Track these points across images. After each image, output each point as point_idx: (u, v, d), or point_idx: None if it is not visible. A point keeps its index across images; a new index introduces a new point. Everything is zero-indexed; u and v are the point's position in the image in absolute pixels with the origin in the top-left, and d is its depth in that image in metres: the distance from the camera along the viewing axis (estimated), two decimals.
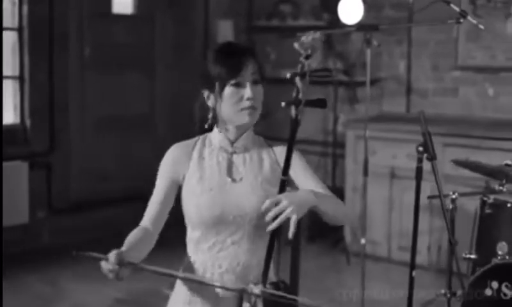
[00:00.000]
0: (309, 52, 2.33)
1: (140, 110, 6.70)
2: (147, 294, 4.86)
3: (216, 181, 2.55)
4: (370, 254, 5.72)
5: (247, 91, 2.50)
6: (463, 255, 3.87)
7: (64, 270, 5.44)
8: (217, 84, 2.52)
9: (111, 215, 6.29)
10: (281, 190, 2.40)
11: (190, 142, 2.66)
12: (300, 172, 2.59)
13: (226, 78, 2.51)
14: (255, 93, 2.52)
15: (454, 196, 3.91)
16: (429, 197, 4.17)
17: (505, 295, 3.49)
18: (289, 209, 2.32)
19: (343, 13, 5.67)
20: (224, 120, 2.58)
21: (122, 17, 6.54)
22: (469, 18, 3.99)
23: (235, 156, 2.61)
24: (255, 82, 2.53)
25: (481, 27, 4.07)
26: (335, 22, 6.03)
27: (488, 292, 3.52)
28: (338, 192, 6.29)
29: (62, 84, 6.09)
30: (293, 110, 2.33)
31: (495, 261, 3.58)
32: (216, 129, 2.63)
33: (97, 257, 2.23)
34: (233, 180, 2.57)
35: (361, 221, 5.04)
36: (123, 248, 2.32)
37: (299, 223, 2.37)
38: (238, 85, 2.50)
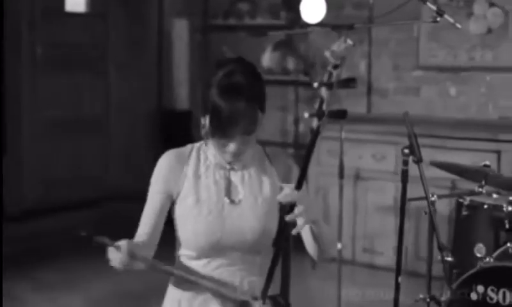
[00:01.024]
0: (338, 62, 2.20)
1: (93, 112, 6.49)
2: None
3: (213, 204, 2.35)
4: (334, 256, 5.63)
5: (231, 147, 2.28)
6: (438, 258, 3.81)
7: (20, 279, 5.21)
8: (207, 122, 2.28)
9: (64, 221, 6.05)
10: (291, 207, 2.22)
11: (184, 151, 2.42)
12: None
13: (211, 133, 2.28)
14: (241, 147, 2.29)
15: (433, 198, 3.84)
16: (410, 200, 4.08)
17: (491, 298, 3.43)
18: (303, 216, 2.19)
19: (305, 11, 5.57)
20: None
21: (75, 15, 6.34)
22: (446, 16, 3.90)
23: (232, 173, 2.40)
24: (247, 134, 2.28)
25: (458, 26, 4.00)
26: (296, 20, 5.93)
27: (474, 296, 3.45)
28: None
29: (13, 85, 5.84)
30: (315, 122, 2.19)
31: (480, 264, 3.51)
32: (211, 139, 2.38)
33: (107, 243, 2.09)
34: (232, 202, 2.37)
35: (338, 225, 4.94)
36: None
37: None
38: (225, 136, 2.27)
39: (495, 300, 3.42)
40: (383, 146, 5.54)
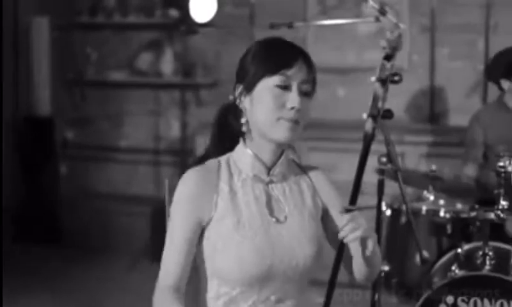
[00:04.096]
0: (390, 51, 1.91)
1: None
2: None
3: (258, 225, 1.99)
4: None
5: (293, 97, 1.97)
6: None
7: None
8: (253, 77, 2.00)
9: None
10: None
11: (211, 167, 2.05)
12: (336, 202, 2.13)
13: (271, 70, 1.97)
14: (303, 105, 1.99)
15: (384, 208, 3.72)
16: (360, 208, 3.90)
17: None
18: (363, 229, 1.95)
19: (194, 9, 5.24)
20: (256, 131, 2.03)
21: None
22: (389, 16, 3.73)
23: (271, 186, 2.06)
24: (305, 94, 2.00)
25: (402, 25, 3.84)
26: (184, 19, 5.57)
27: None
28: None
29: None
30: (369, 123, 1.88)
31: (451, 275, 3.38)
32: (242, 148, 2.06)
33: None
34: (277, 220, 2.03)
35: None
36: None
37: None
38: (283, 86, 1.98)
39: None
40: None
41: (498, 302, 3.26)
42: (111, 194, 6.12)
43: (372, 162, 4.23)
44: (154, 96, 6.16)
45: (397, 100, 5.61)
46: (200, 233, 2.02)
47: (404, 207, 3.80)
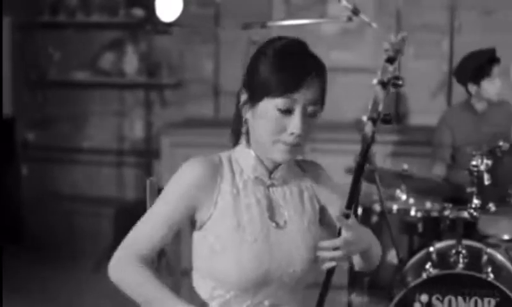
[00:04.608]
0: (393, 54, 1.88)
1: None
2: None
3: (258, 230, 1.95)
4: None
5: (295, 123, 1.89)
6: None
7: None
8: (258, 92, 1.91)
9: None
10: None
11: (215, 163, 1.98)
12: (334, 201, 2.10)
13: (273, 92, 1.88)
14: (306, 128, 1.91)
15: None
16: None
17: None
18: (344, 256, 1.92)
19: (161, 8, 5.18)
20: (255, 142, 1.98)
21: None
22: (362, 15, 3.75)
23: (272, 190, 2.02)
24: (310, 114, 1.92)
25: (374, 25, 3.87)
26: (149, 18, 5.52)
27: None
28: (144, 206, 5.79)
29: None
30: (369, 127, 1.86)
31: (425, 274, 3.39)
32: (245, 148, 2.01)
33: None
34: (277, 225, 1.99)
35: None
36: None
37: None
38: (286, 110, 1.89)
39: None
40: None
41: (473, 300, 3.28)
42: (74, 196, 6.04)
43: (343, 161, 4.32)
44: (118, 97, 6.09)
45: (362, 100, 5.64)
46: (193, 232, 1.99)
47: (375, 206, 3.82)
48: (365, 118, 1.83)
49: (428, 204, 3.86)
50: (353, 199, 1.89)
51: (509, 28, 5.29)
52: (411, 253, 3.75)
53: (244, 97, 1.96)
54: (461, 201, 3.88)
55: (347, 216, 1.90)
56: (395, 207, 3.80)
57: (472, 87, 4.35)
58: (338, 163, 4.60)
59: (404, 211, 3.82)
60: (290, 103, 1.88)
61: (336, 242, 1.90)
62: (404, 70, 5.50)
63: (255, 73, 1.93)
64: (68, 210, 5.87)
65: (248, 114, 1.96)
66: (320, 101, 1.93)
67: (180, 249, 2.24)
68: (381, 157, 5.20)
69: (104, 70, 5.97)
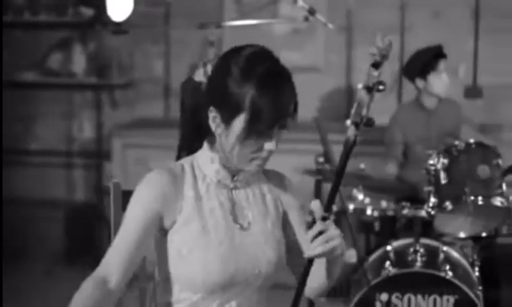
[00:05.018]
0: (379, 59, 1.87)
1: None
2: None
3: (223, 232, 1.95)
4: None
5: (270, 144, 1.90)
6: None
7: None
8: (231, 112, 1.89)
9: None
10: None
11: (176, 171, 1.97)
12: (295, 211, 2.10)
13: (254, 124, 1.87)
14: (278, 142, 1.93)
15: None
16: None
17: (395, 306, 3.36)
18: (337, 241, 1.86)
19: (112, 7, 5.10)
20: (225, 153, 1.97)
21: None
22: (318, 15, 3.75)
23: (235, 192, 2.02)
24: (284, 127, 1.93)
25: (331, 26, 3.88)
26: (98, 17, 5.45)
27: (378, 306, 3.35)
28: (95, 208, 5.73)
29: None
30: (352, 130, 1.85)
31: (385, 273, 3.42)
32: (208, 153, 2.00)
33: None
34: (242, 227, 1.99)
35: None
36: None
37: None
38: (263, 135, 1.90)
39: None
40: None
41: (431, 298, 3.33)
42: (22, 198, 5.90)
43: (294, 161, 4.33)
44: (67, 97, 5.99)
45: (313, 100, 5.66)
46: (158, 236, 1.97)
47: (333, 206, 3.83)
48: (348, 122, 1.82)
49: (384, 204, 3.89)
50: (332, 202, 1.88)
51: (457, 28, 5.37)
52: (368, 252, 3.79)
53: (212, 115, 1.93)
54: (414, 199, 3.93)
55: (324, 219, 1.88)
56: (351, 207, 3.82)
57: (420, 82, 4.44)
58: (289, 163, 4.62)
59: (361, 210, 3.84)
60: (270, 132, 1.90)
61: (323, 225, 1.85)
62: (355, 69, 5.58)
63: (223, 92, 1.90)
64: (16, 213, 5.75)
65: (219, 131, 1.94)
66: (293, 116, 1.93)
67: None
68: (336, 156, 5.23)
69: (53, 70, 5.87)
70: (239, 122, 1.88)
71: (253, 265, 1.96)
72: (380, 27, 5.41)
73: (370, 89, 1.82)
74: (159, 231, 1.97)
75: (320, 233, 1.83)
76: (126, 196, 2.08)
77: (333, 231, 1.85)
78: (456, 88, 5.02)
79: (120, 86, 5.88)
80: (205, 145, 2.01)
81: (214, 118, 1.93)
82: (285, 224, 2.09)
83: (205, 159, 2.00)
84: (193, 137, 2.04)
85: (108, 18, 5.21)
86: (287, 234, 2.08)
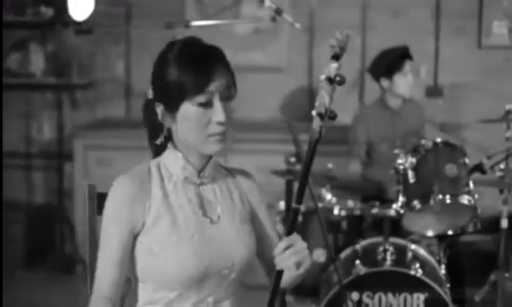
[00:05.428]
0: (339, 51, 1.90)
1: None
2: None
3: (194, 226, 1.99)
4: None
5: (218, 112, 1.95)
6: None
7: None
8: (174, 100, 1.95)
9: None
10: (293, 222, 1.93)
11: (142, 172, 2.02)
12: (262, 207, 2.16)
13: (190, 93, 1.93)
14: (227, 113, 1.97)
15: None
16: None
17: (366, 305, 3.38)
18: (305, 253, 1.92)
19: (73, 7, 5.05)
20: (184, 145, 2.02)
21: None
22: (284, 15, 3.76)
23: (202, 188, 2.06)
24: (227, 99, 1.98)
25: (298, 26, 3.88)
26: (59, 17, 5.39)
27: (349, 305, 3.37)
28: (56, 210, 5.67)
29: None
30: (317, 121, 1.87)
31: (355, 272, 3.43)
32: (172, 152, 2.04)
33: None
34: (211, 221, 2.03)
35: None
36: None
37: None
38: (206, 104, 1.94)
39: (370, 306, 3.38)
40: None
41: (402, 296, 3.36)
42: None
43: (256, 161, 4.33)
44: (26, 98, 5.89)
45: (275, 99, 5.67)
46: (133, 240, 1.98)
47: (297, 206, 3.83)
48: (314, 113, 1.83)
49: (351, 203, 3.92)
50: (302, 194, 1.90)
51: (418, 28, 5.43)
52: (337, 251, 3.80)
53: (160, 109, 1.99)
54: (379, 198, 3.96)
55: (296, 211, 1.91)
56: (319, 206, 3.83)
57: (385, 82, 4.47)
58: (250, 162, 4.63)
59: (328, 210, 3.85)
60: (207, 97, 1.94)
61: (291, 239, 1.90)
62: (317, 68, 5.59)
63: (163, 83, 1.97)
64: None
65: (169, 123, 2.00)
66: (232, 83, 1.99)
67: None
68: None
69: (11, 71, 5.77)
70: (179, 103, 1.95)
71: (226, 258, 1.99)
72: (342, 26, 5.38)
73: (331, 81, 1.84)
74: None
75: (288, 247, 1.88)
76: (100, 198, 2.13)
77: (299, 245, 1.90)
78: (417, 88, 5.07)
79: (80, 86, 5.81)
80: (169, 145, 2.05)
81: (161, 112, 1.99)
82: (253, 220, 2.13)
83: (170, 158, 2.04)
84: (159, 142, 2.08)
85: (69, 17, 5.18)
86: (256, 229, 2.12)
